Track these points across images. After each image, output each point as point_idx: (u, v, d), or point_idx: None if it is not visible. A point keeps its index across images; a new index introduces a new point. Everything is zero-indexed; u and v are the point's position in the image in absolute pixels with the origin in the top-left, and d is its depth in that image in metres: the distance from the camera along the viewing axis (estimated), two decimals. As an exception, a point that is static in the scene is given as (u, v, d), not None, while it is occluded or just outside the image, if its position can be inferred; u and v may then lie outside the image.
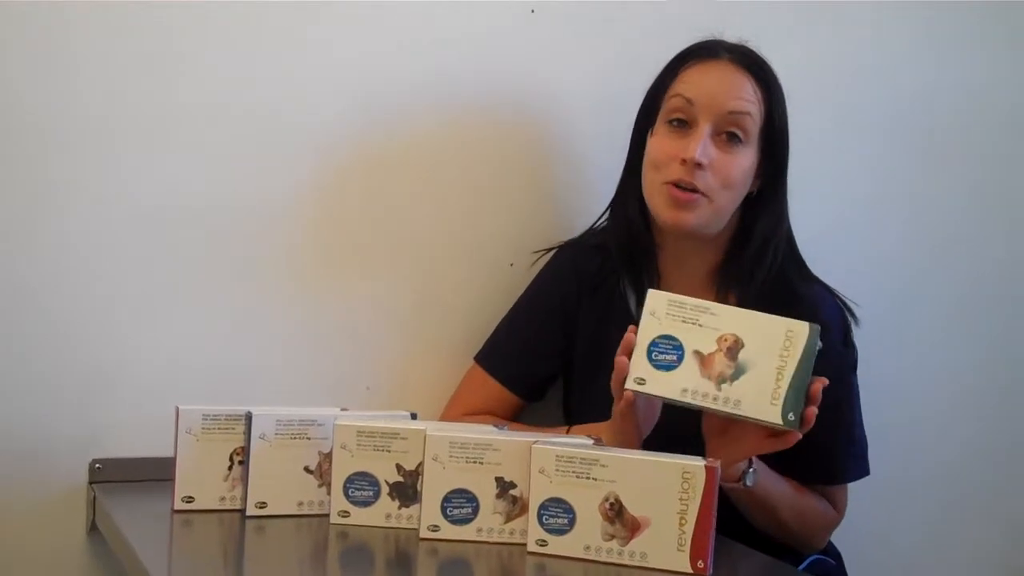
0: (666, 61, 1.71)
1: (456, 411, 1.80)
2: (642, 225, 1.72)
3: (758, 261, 1.69)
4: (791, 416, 1.41)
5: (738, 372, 1.42)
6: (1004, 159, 2.26)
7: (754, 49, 1.69)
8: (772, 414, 1.41)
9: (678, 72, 1.69)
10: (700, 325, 1.44)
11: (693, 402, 1.43)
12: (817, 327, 1.42)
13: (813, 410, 1.42)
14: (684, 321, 1.45)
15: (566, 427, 1.70)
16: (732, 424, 1.45)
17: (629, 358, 1.45)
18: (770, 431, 1.44)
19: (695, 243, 1.70)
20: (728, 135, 1.64)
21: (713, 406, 1.43)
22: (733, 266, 1.70)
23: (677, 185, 1.62)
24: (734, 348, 1.43)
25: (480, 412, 1.77)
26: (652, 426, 1.52)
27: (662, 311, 1.46)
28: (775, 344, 1.42)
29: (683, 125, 1.65)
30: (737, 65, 1.67)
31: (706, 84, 1.65)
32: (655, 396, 1.45)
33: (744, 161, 1.64)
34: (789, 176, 1.72)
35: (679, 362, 1.44)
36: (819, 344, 1.42)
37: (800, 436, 1.43)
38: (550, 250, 1.83)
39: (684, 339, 1.44)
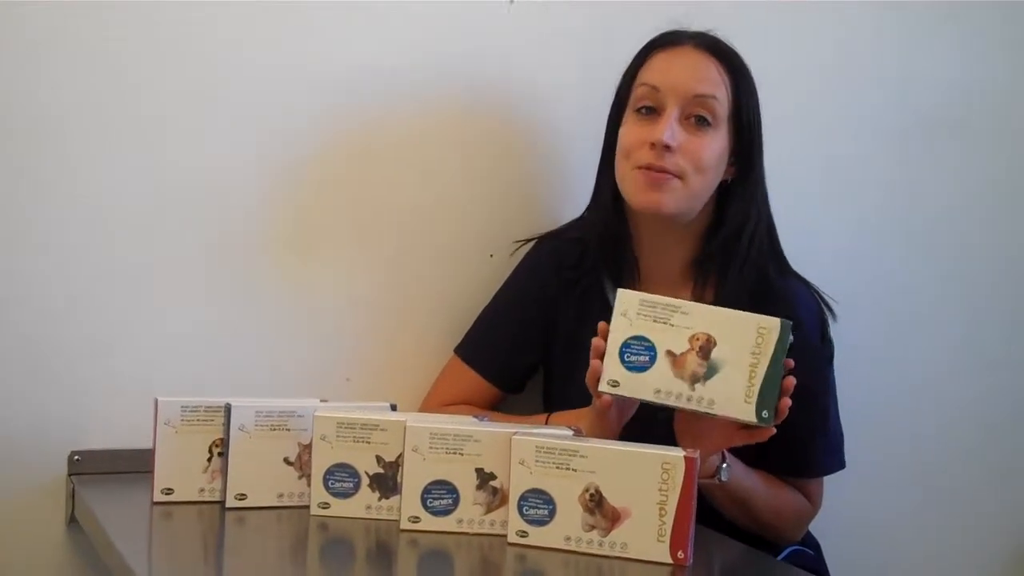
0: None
1: (435, 402, 1.80)
2: (617, 218, 1.72)
3: (733, 250, 1.69)
4: (765, 414, 1.41)
5: (711, 371, 1.42)
6: (1000, 155, 2.28)
7: (720, 37, 1.70)
8: (746, 412, 1.41)
9: (643, 61, 1.70)
10: (672, 324, 1.44)
11: (667, 403, 1.43)
12: (788, 322, 1.42)
13: (786, 401, 1.42)
14: (656, 321, 1.44)
15: (545, 414, 1.70)
16: (702, 418, 1.45)
17: (602, 360, 1.45)
18: (742, 424, 1.45)
19: (672, 232, 1.70)
20: (696, 119, 1.64)
21: (687, 406, 1.43)
22: (709, 257, 1.70)
23: (648, 169, 1.63)
24: (706, 347, 1.43)
25: (459, 403, 1.77)
26: (631, 415, 1.53)
27: (633, 311, 1.45)
28: (747, 341, 1.42)
29: (651, 112, 1.66)
30: (702, 50, 1.68)
31: (671, 70, 1.66)
32: (628, 398, 1.46)
33: (714, 144, 1.65)
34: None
35: (651, 363, 1.44)
36: (791, 338, 1.42)
37: (774, 430, 1.43)
38: (529, 241, 1.83)
39: (656, 339, 1.44)
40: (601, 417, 1.50)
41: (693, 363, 1.43)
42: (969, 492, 2.28)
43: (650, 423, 1.51)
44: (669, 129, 1.62)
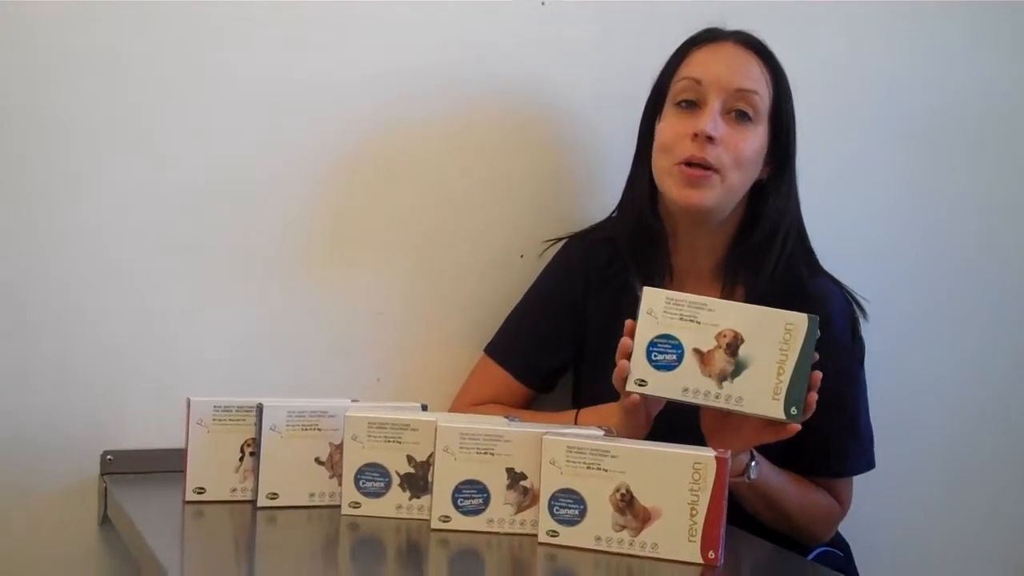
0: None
1: (465, 402, 1.80)
2: (651, 216, 1.72)
3: (766, 250, 1.68)
4: (793, 410, 1.41)
5: (739, 368, 1.42)
6: (1013, 153, 2.27)
7: (759, 38, 1.70)
8: (775, 409, 1.41)
9: (684, 57, 1.70)
10: (698, 322, 1.44)
11: (695, 401, 1.43)
12: (816, 318, 1.42)
13: (813, 396, 1.42)
14: (682, 319, 1.44)
15: (574, 411, 1.70)
16: (730, 416, 1.45)
17: (629, 359, 1.45)
18: (769, 420, 1.44)
19: (705, 230, 1.69)
20: (737, 113, 1.64)
21: (715, 404, 1.43)
22: (741, 256, 1.70)
23: (689, 164, 1.62)
24: (733, 344, 1.42)
25: (489, 402, 1.77)
26: (658, 410, 1.52)
27: (659, 309, 1.45)
28: (774, 338, 1.42)
29: (692, 106, 1.65)
30: (743, 47, 1.68)
31: (714, 64, 1.66)
32: (655, 397, 1.45)
33: (754, 139, 1.65)
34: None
35: (679, 361, 1.43)
36: (818, 333, 1.41)
37: (799, 427, 1.43)
38: (559, 240, 1.83)
39: (683, 337, 1.43)
40: (630, 415, 1.49)
41: (721, 360, 1.42)
42: (994, 490, 2.27)
43: (674, 420, 1.51)
44: (712, 120, 1.62)
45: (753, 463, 1.55)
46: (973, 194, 2.22)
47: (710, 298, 1.45)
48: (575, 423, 1.66)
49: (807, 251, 1.74)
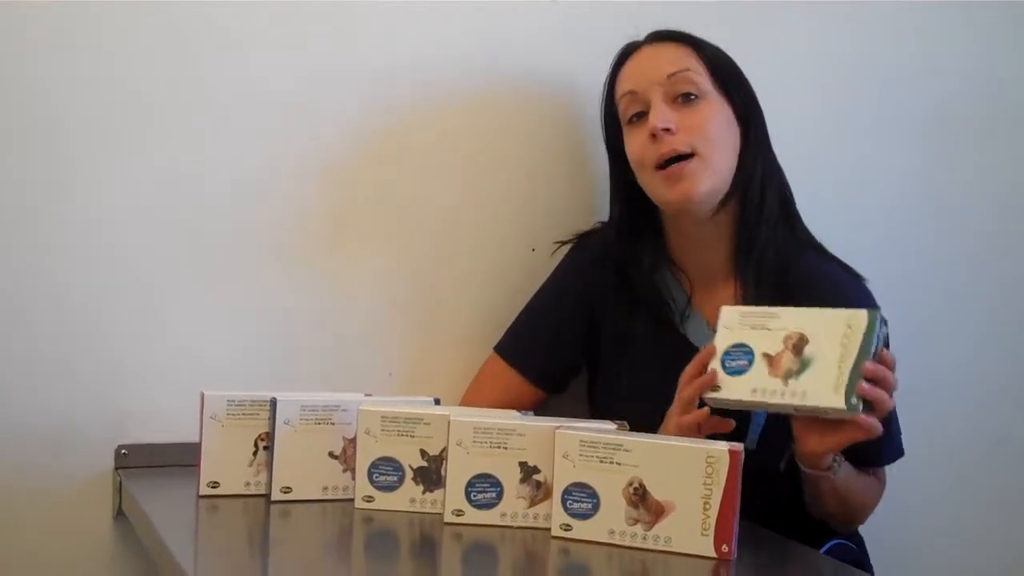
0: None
1: (474, 401, 1.79)
2: (641, 225, 1.73)
3: (760, 222, 1.68)
4: (854, 400, 1.41)
5: (803, 366, 1.44)
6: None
7: (668, 27, 1.71)
8: (836, 401, 1.42)
9: (615, 78, 1.72)
10: (768, 329, 1.47)
11: (762, 399, 1.45)
12: (876, 312, 1.44)
13: (862, 386, 1.41)
14: (753, 328, 1.47)
15: None
16: (821, 420, 1.46)
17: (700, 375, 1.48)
18: (856, 427, 1.44)
19: (706, 227, 1.69)
20: (682, 97, 1.65)
21: (780, 401, 1.44)
22: (745, 246, 1.69)
23: (663, 165, 1.63)
24: (799, 344, 1.44)
25: (499, 405, 1.74)
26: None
27: (735, 323, 1.49)
28: (836, 335, 1.44)
29: (642, 117, 1.66)
30: (659, 41, 1.70)
31: (636, 69, 1.69)
32: (727, 400, 1.47)
33: (710, 111, 1.65)
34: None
35: (750, 366, 1.46)
36: (881, 328, 1.44)
37: (877, 422, 1.43)
38: (568, 242, 1.83)
39: (754, 344, 1.47)
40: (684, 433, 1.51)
41: (787, 361, 1.44)
42: (1006, 483, 2.27)
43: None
44: (661, 114, 1.63)
45: (838, 462, 1.55)
46: (983, 185, 2.22)
47: (779, 308, 1.48)
48: None
49: (790, 215, 1.73)
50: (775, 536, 1.53)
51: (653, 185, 1.66)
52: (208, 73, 1.69)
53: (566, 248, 1.84)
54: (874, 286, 1.75)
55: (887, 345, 1.46)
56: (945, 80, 2.16)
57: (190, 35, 1.68)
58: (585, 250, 1.81)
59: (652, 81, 1.65)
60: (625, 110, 1.69)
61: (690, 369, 1.50)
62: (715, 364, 1.48)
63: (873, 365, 1.42)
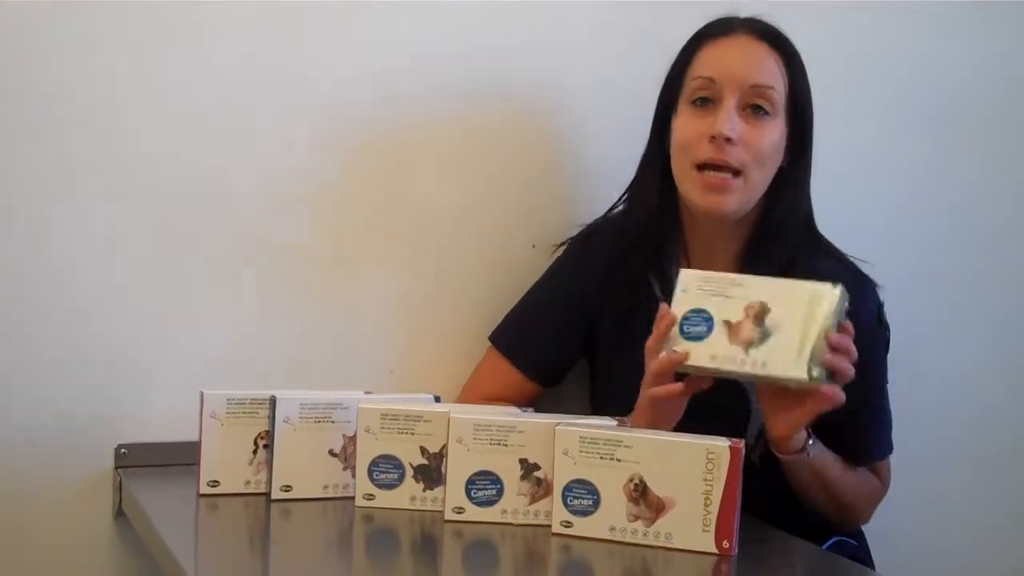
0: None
1: (472, 396, 1.79)
2: (665, 210, 1.71)
3: (778, 238, 1.68)
4: (815, 371, 1.41)
5: (765, 336, 1.43)
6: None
7: (770, 22, 1.68)
8: (797, 370, 1.41)
9: (695, 53, 1.67)
10: (729, 296, 1.46)
11: (721, 367, 1.44)
12: (840, 287, 1.44)
13: (829, 358, 1.42)
14: (714, 295, 1.47)
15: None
16: (786, 393, 1.46)
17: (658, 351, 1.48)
18: (820, 398, 1.44)
19: (725, 228, 1.68)
20: (753, 108, 1.62)
21: (740, 369, 1.43)
22: (757, 248, 1.69)
23: (708, 166, 1.61)
24: (760, 314, 1.44)
25: (496, 399, 1.75)
26: (677, 419, 1.52)
27: (694, 287, 1.48)
28: (800, 307, 1.43)
29: (707, 103, 1.63)
30: (755, 37, 1.65)
31: (727, 60, 1.64)
32: (685, 366, 1.46)
33: (773, 133, 1.63)
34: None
35: (709, 332, 1.45)
36: (847, 305, 1.44)
37: (840, 391, 1.43)
38: (565, 244, 1.82)
39: (714, 311, 1.46)
40: (646, 418, 1.50)
41: (748, 330, 1.44)
42: (1017, 480, 2.26)
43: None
44: (729, 121, 1.59)
45: (811, 440, 1.55)
46: (993, 179, 2.21)
47: (742, 275, 1.48)
48: None
49: (813, 234, 1.73)
50: (776, 532, 1.53)
51: (687, 180, 1.64)
52: (207, 73, 1.69)
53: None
54: (882, 276, 1.74)
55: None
56: (955, 72, 2.15)
57: (190, 35, 1.67)
58: (583, 245, 1.80)
59: (733, 82, 1.61)
60: (694, 90, 1.64)
61: (651, 342, 1.49)
62: (672, 331, 1.46)
63: (837, 336, 1.42)
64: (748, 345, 1.43)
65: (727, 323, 1.45)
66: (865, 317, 1.67)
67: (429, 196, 1.82)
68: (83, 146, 1.63)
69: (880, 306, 1.72)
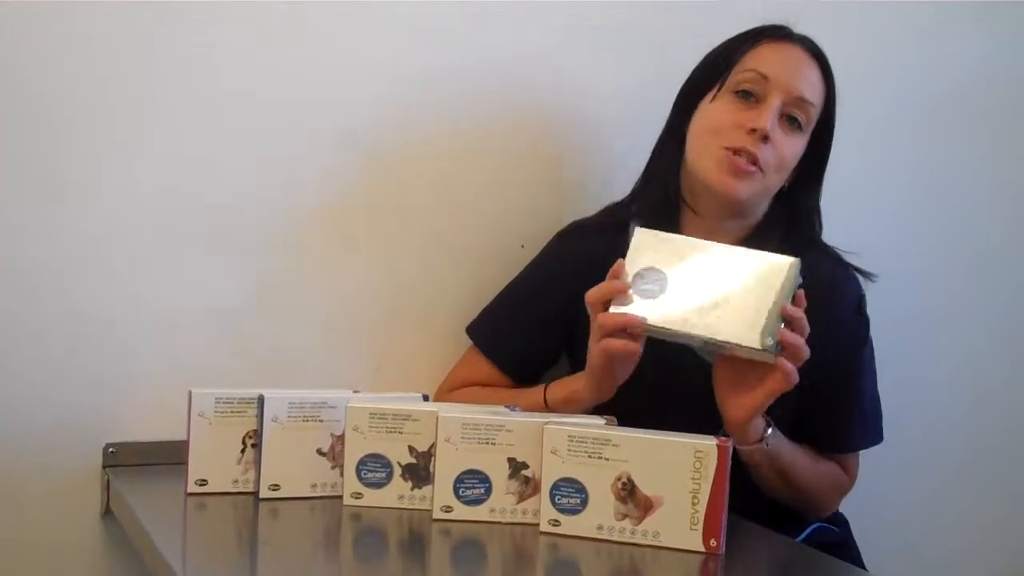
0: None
1: (446, 387, 1.81)
2: (677, 196, 1.72)
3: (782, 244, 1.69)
4: (769, 340, 1.41)
5: (720, 302, 1.43)
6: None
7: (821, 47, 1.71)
8: (751, 340, 1.42)
9: (753, 47, 1.68)
10: (684, 258, 1.47)
11: (671, 327, 1.44)
12: (797, 261, 1.45)
13: (781, 329, 1.42)
14: (670, 254, 1.47)
15: (542, 386, 1.69)
16: (738, 365, 1.47)
17: (606, 307, 1.48)
18: (775, 375, 1.45)
19: (728, 218, 1.69)
20: (790, 118, 1.65)
21: (691, 332, 1.43)
22: (756, 245, 1.70)
23: (738, 153, 1.62)
24: (715, 279, 1.44)
25: (467, 384, 1.78)
26: (628, 372, 1.53)
27: (647, 246, 1.48)
28: (757, 276, 1.44)
29: (749, 98, 1.65)
30: (809, 53, 1.68)
31: (782, 63, 1.66)
32: (624, 347, 1.46)
33: (799, 146, 1.66)
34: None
35: (661, 292, 1.45)
36: (800, 279, 1.44)
37: (792, 367, 1.43)
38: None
39: (668, 271, 1.46)
40: (602, 375, 1.51)
41: (701, 293, 1.44)
42: (1007, 470, 2.28)
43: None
44: (772, 120, 1.62)
45: (769, 430, 1.55)
46: (989, 179, 2.23)
47: (703, 240, 1.49)
48: (544, 398, 1.66)
49: (803, 230, 1.74)
50: (762, 529, 1.54)
51: (711, 158, 1.64)
52: (205, 73, 1.68)
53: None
54: (880, 266, 1.75)
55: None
56: (954, 71, 2.16)
57: (188, 35, 1.67)
58: (566, 242, 1.80)
59: (785, 87, 1.64)
60: (743, 81, 1.65)
61: (595, 293, 1.49)
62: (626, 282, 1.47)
63: (791, 307, 1.43)
64: (701, 309, 1.43)
65: (681, 284, 1.45)
66: (845, 307, 1.69)
67: (418, 197, 1.83)
68: (77, 148, 1.63)
69: (861, 297, 1.73)
